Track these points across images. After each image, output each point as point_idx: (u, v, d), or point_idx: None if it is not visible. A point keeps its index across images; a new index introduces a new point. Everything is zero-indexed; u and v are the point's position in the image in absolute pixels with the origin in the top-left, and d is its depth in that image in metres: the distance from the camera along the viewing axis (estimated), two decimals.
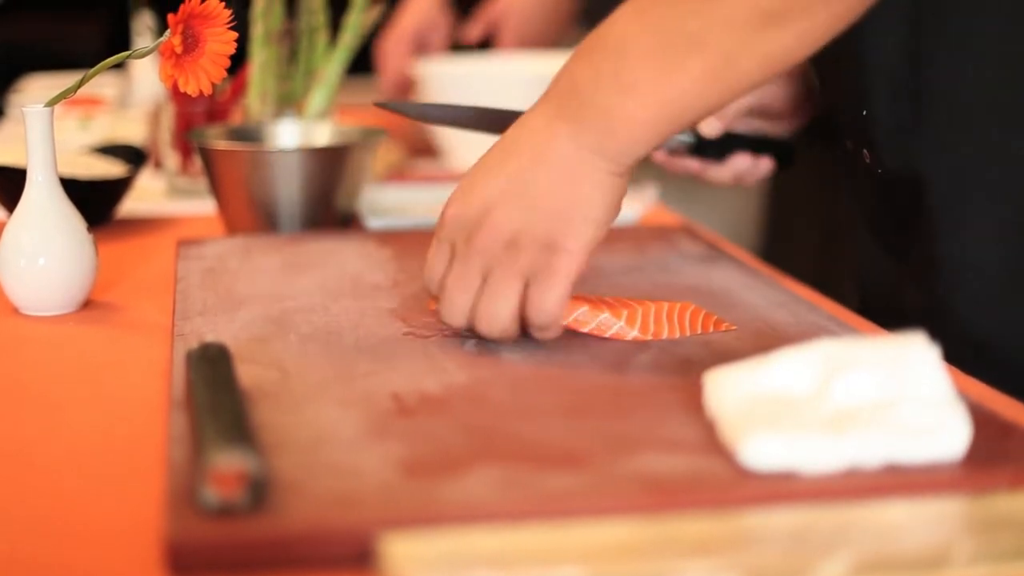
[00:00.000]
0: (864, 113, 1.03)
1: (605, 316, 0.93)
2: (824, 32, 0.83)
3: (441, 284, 0.90)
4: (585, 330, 0.93)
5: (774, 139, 1.21)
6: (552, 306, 0.87)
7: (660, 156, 1.20)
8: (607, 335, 0.93)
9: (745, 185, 1.23)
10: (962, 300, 1.01)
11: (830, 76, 1.09)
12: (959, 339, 0.91)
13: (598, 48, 0.86)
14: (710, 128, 1.16)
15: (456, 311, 0.90)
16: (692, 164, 1.20)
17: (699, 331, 0.95)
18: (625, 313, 0.94)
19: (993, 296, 1.00)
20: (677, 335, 0.94)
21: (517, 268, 0.87)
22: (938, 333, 0.76)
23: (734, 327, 0.96)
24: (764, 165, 1.21)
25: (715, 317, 0.97)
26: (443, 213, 0.91)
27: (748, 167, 1.20)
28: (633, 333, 0.93)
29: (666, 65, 0.84)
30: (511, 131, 0.91)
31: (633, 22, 0.85)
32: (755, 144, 1.19)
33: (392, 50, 2.21)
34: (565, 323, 0.91)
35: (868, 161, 1.06)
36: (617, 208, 0.89)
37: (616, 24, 0.86)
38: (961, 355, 0.86)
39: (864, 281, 1.16)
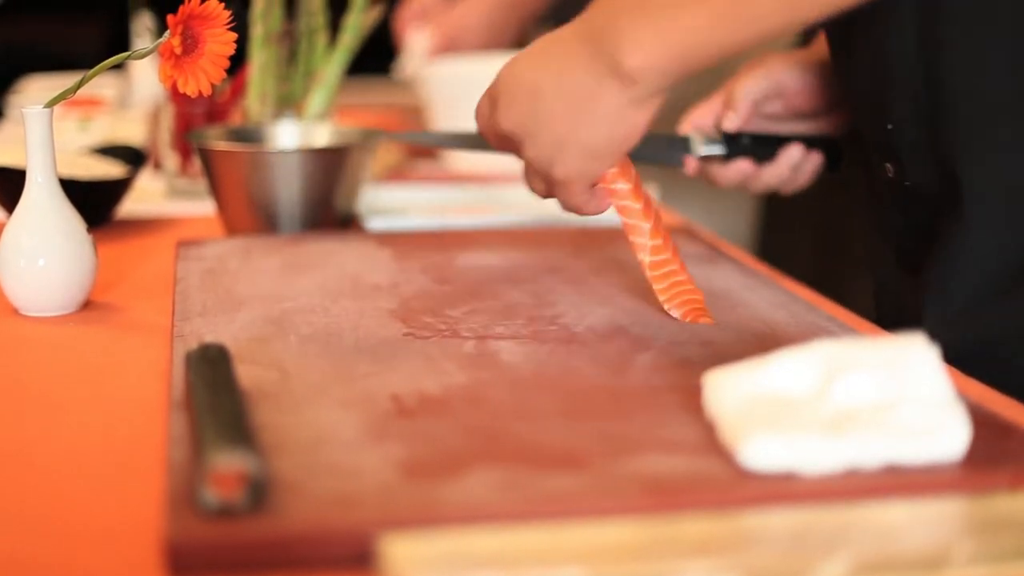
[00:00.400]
0: (889, 127, 1.03)
1: (637, 207, 0.98)
2: None
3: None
4: (613, 203, 0.97)
5: (820, 136, 1.20)
6: (575, 209, 0.96)
7: (693, 167, 1.19)
8: (628, 220, 0.98)
9: (797, 186, 1.22)
10: (980, 313, 1.00)
11: (853, 89, 1.08)
12: (975, 351, 0.91)
13: None
14: (729, 123, 1.16)
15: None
16: (743, 167, 1.19)
17: (679, 315, 0.99)
18: (648, 227, 0.98)
19: (1014, 307, 0.99)
20: (662, 299, 0.99)
21: (539, 186, 0.96)
22: (954, 346, 0.76)
23: (713, 322, 0.97)
24: (814, 160, 1.20)
25: (704, 311, 0.99)
26: (479, 112, 0.98)
27: (798, 162, 1.19)
28: (649, 241, 0.98)
29: None
30: (543, 42, 0.93)
31: None
32: (803, 141, 1.19)
33: (405, 28, 2.26)
34: (606, 187, 0.96)
35: (891, 175, 1.05)
36: (626, 140, 0.90)
37: None
38: (978, 363, 0.86)
39: (879, 292, 1.16)
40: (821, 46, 1.16)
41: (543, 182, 0.95)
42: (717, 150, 1.18)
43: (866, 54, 1.02)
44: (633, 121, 0.89)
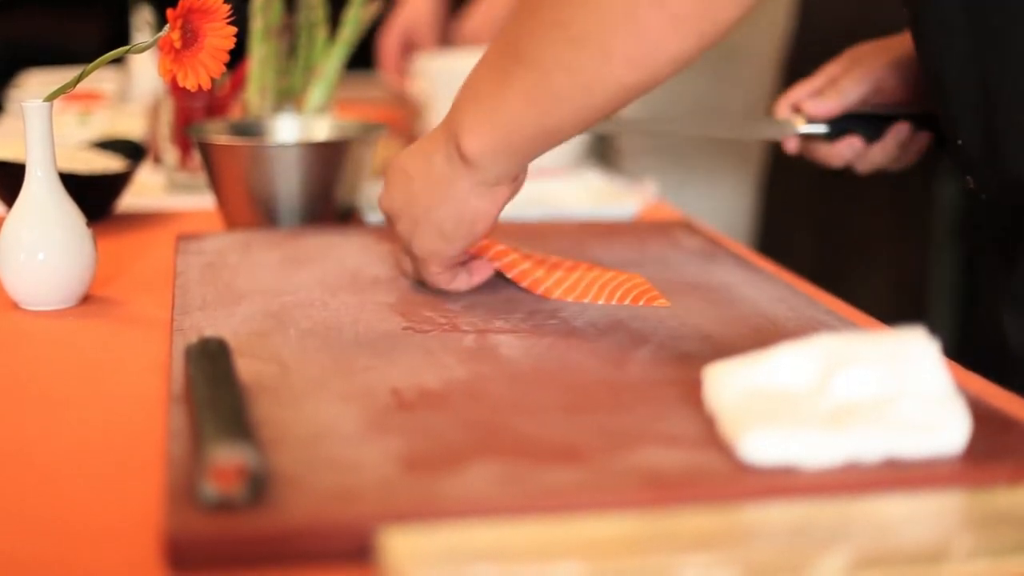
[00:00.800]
0: (959, 143, 1.02)
1: (526, 266, 1.04)
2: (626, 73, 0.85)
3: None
4: (509, 275, 1.04)
5: (927, 113, 1.18)
6: (434, 285, 1.03)
7: (793, 146, 1.21)
8: (524, 284, 1.04)
9: (904, 163, 1.22)
10: None
11: (935, 106, 1.08)
12: None
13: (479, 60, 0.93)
14: (821, 107, 1.18)
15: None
16: (853, 144, 1.19)
17: (629, 303, 1.01)
18: (542, 271, 1.04)
19: None
20: (601, 302, 1.01)
21: (405, 264, 1.06)
22: None
23: (668, 303, 1.01)
24: (922, 138, 1.19)
25: (652, 292, 1.02)
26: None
27: (906, 140, 1.19)
28: (545, 286, 1.03)
29: (498, 76, 0.89)
30: (428, 132, 0.99)
31: (497, 36, 0.91)
32: (911, 119, 1.18)
33: (387, 44, 2.28)
34: (494, 265, 1.05)
35: (972, 187, 1.05)
36: (474, 224, 0.96)
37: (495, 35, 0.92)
38: None
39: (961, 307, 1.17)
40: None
41: (408, 260, 1.04)
42: (820, 129, 1.19)
43: (929, 69, 1.02)
44: (478, 205, 0.95)
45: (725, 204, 2.03)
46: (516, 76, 0.88)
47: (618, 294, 1.02)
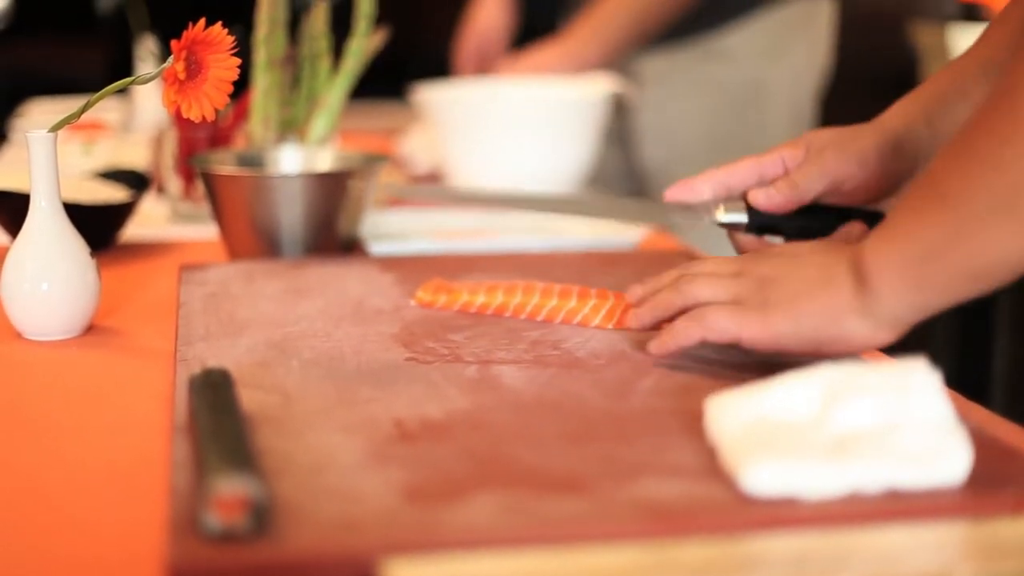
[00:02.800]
0: None
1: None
2: None
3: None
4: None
5: (864, 209, 1.05)
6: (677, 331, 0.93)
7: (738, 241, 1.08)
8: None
9: None
10: None
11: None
12: None
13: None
14: (769, 202, 1.03)
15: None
16: (776, 240, 1.07)
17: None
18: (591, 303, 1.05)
19: None
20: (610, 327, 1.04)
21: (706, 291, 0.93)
22: None
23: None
24: (857, 230, 1.04)
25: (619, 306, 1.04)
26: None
27: (856, 238, 1.02)
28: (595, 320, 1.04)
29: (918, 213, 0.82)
30: (823, 254, 0.90)
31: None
32: (867, 217, 1.04)
33: (463, 54, 2.37)
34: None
35: None
36: (835, 344, 0.87)
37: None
38: None
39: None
40: (891, 120, 1.05)
41: (674, 291, 0.94)
42: (741, 219, 1.05)
43: None
44: (854, 328, 0.85)
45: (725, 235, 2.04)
46: (937, 213, 0.81)
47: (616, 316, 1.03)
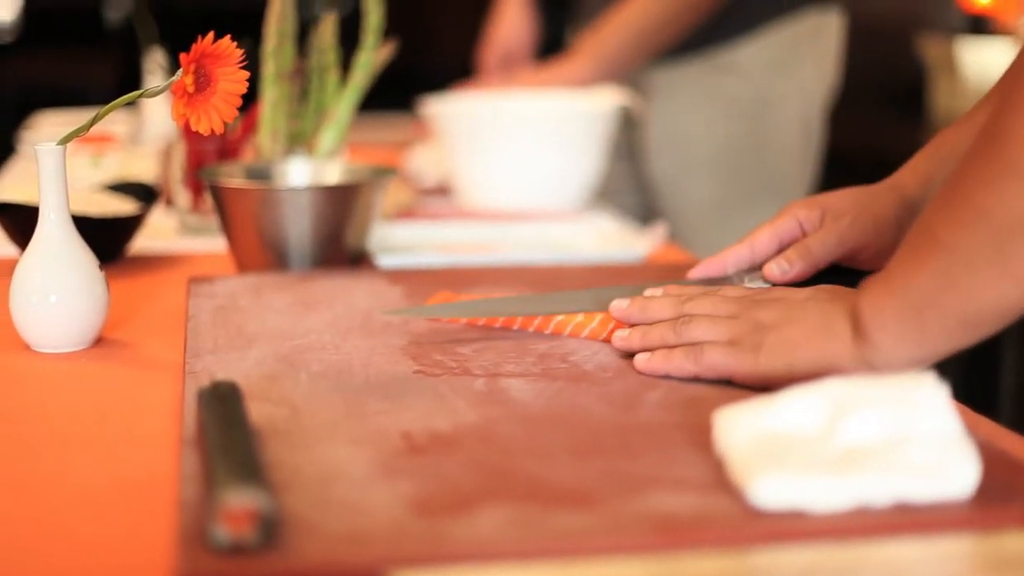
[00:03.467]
0: None
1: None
2: None
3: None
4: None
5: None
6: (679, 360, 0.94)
7: None
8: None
9: None
10: None
11: None
12: None
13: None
14: (784, 277, 1.05)
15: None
16: None
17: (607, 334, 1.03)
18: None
19: None
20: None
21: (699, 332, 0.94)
22: None
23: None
24: None
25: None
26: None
27: None
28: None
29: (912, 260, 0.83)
30: (828, 308, 0.90)
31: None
32: (859, 275, 1.00)
33: (487, 61, 2.39)
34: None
35: None
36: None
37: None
38: None
39: None
40: (907, 181, 1.06)
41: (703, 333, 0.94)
42: (760, 284, 1.06)
43: None
44: (843, 364, 0.86)
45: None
46: (932, 258, 0.81)
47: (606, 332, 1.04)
